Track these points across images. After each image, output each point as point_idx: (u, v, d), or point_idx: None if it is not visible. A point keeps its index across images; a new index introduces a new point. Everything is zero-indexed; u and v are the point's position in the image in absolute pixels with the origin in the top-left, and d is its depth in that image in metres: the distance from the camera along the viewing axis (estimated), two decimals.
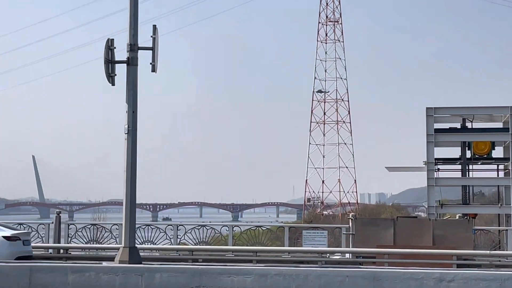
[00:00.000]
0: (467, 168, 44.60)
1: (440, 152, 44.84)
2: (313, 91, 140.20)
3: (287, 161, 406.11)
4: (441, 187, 45.39)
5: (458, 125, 44.63)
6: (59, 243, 36.80)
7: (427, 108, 43.17)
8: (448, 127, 44.62)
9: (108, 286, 19.31)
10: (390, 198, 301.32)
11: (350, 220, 36.64)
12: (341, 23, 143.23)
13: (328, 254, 35.22)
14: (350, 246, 35.44)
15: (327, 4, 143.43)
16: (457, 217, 42.38)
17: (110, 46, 22.68)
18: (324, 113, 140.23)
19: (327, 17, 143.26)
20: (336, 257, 35.95)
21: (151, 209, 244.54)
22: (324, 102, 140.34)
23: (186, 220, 62.42)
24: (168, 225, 38.68)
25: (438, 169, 44.52)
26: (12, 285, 19.38)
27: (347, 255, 35.66)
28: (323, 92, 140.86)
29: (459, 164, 44.98)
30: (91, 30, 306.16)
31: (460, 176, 44.69)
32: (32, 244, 36.34)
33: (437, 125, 43.54)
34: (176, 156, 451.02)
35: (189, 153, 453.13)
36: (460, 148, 44.53)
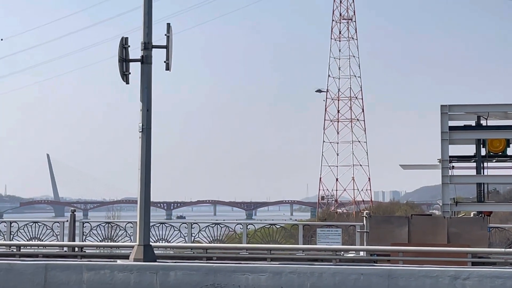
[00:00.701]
0: (482, 165, 44.38)
1: (455, 149, 44.64)
2: (327, 90, 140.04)
3: (301, 159, 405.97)
4: (455, 185, 45.15)
5: (472, 123, 44.38)
6: (74, 241, 36.89)
7: (441, 105, 42.96)
8: (462, 125, 44.38)
9: (123, 284, 19.38)
10: (404, 196, 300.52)
11: (364, 218, 36.55)
12: (355, 21, 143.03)
13: (342, 252, 35.14)
14: (365, 244, 35.35)
15: (340, 2, 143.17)
16: (471, 215, 42.18)
17: (124, 44, 22.72)
18: (338, 111, 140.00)
19: (340, 14, 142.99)
20: (350, 255, 35.87)
21: (165, 207, 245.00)
22: (338, 100, 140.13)
23: (200, 218, 62.57)
24: (183, 223, 38.71)
25: (453, 166, 44.29)
26: (27, 283, 19.49)
27: (361, 253, 35.56)
28: (322, 91, 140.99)
29: (473, 161, 44.74)
30: (105, 29, 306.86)
31: (474, 173, 44.47)
32: (47, 242, 36.61)
33: (452, 123, 43.29)
34: (190, 154, 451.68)
35: (203, 152, 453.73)
36: (474, 145, 44.32)
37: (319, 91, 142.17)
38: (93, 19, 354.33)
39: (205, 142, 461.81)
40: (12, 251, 35.84)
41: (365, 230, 35.66)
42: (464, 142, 45.41)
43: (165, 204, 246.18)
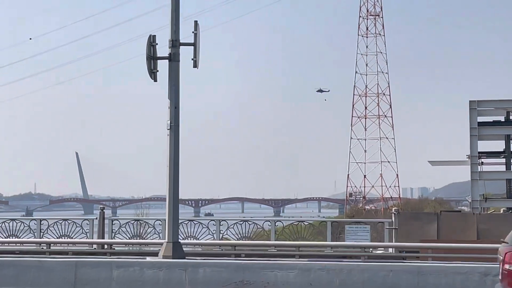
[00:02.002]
0: (511, 161, 44.07)
1: (484, 145, 44.36)
2: (354, 86, 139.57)
3: (329, 156, 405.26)
4: (485, 181, 44.90)
5: (502, 118, 44.09)
6: (103, 238, 37.08)
7: (470, 101, 42.72)
8: (491, 120, 44.10)
9: (152, 281, 19.44)
10: (433, 193, 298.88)
11: (393, 214, 36.42)
12: (382, 17, 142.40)
13: (371, 249, 35.05)
14: (393, 241, 35.23)
15: None
16: (501, 211, 41.90)
17: (152, 42, 22.79)
18: (366, 108, 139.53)
19: (367, 11, 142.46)
20: (379, 251, 35.76)
21: (193, 205, 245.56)
22: (366, 97, 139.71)
23: (228, 216, 62.63)
24: (211, 220, 38.81)
25: (482, 162, 44.05)
26: (58, 280, 19.62)
27: (390, 250, 35.44)
28: (324, 91, 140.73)
29: (503, 157, 44.48)
30: (131, 28, 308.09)
31: (504, 169, 44.19)
32: (77, 240, 36.84)
33: (481, 118, 43.05)
34: (218, 151, 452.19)
35: (230, 149, 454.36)
36: (504, 141, 44.01)
37: (320, 91, 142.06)
38: (119, 18, 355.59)
39: (232, 139, 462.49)
40: (42, 248, 36.12)
41: (393, 227, 35.53)
42: (493, 137, 45.15)
43: (193, 202, 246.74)
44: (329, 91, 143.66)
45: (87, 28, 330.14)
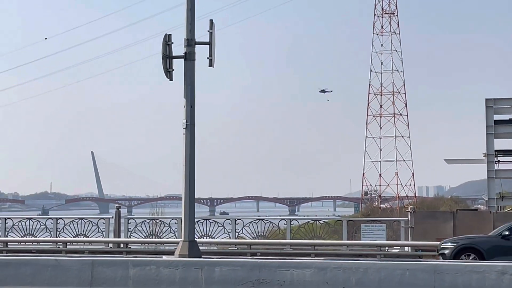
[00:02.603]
0: None
1: (500, 143, 44.18)
2: (369, 85, 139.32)
3: (344, 155, 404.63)
4: (501, 179, 44.73)
5: None
6: (119, 237, 37.19)
7: (486, 99, 42.58)
8: (508, 119, 43.93)
9: (168, 280, 19.45)
10: (449, 191, 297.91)
11: (408, 213, 36.34)
12: (397, 15, 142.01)
13: (387, 248, 34.99)
14: (409, 240, 35.15)
15: None
16: None
17: (167, 41, 22.79)
18: (381, 106, 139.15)
19: (382, 9, 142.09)
20: (395, 250, 35.69)
21: (209, 204, 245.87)
22: (381, 95, 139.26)
23: (243, 215, 62.65)
24: (226, 219, 38.86)
25: (499, 161, 43.88)
26: (74, 278, 19.66)
27: (406, 249, 35.37)
28: (327, 91, 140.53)
29: None
30: (145, 27, 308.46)
31: None
32: (93, 239, 36.97)
33: (497, 117, 42.89)
34: (233, 150, 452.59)
35: (245, 148, 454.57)
36: None
37: (323, 91, 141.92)
38: (133, 17, 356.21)
39: (247, 138, 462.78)
40: (59, 247, 36.28)
41: (409, 225, 35.45)
42: (509, 136, 44.96)
43: (208, 201, 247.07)
44: (331, 91, 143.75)
45: (100, 29, 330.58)
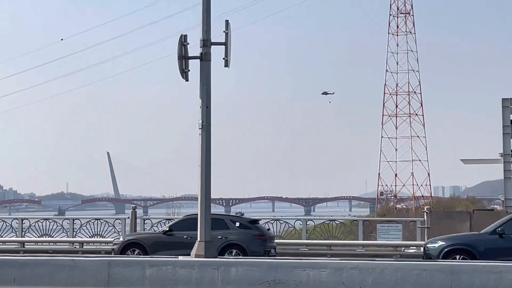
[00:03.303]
0: None
1: None
2: (385, 85, 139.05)
3: (359, 155, 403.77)
4: None
5: None
6: None
7: (502, 99, 42.40)
8: None
9: (184, 280, 19.49)
10: (465, 191, 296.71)
11: (425, 213, 36.29)
12: (413, 15, 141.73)
13: (403, 248, 34.93)
14: (426, 240, 35.07)
15: None
16: None
17: (183, 42, 22.82)
18: (396, 106, 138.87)
19: (398, 9, 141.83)
20: (411, 250, 35.62)
21: (224, 204, 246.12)
22: (396, 95, 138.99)
23: (259, 215, 62.62)
24: None
25: None
26: (91, 278, 19.73)
27: (422, 249, 35.29)
28: (329, 93, 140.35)
29: None
30: (161, 28, 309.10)
31: None
32: (110, 239, 37.08)
33: None
34: (248, 150, 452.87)
35: (260, 148, 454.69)
36: None
37: (325, 93, 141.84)
38: (149, 18, 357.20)
39: (262, 138, 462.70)
40: (75, 247, 36.45)
41: (426, 226, 35.39)
42: None
43: (223, 201, 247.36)
44: (333, 93, 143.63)
45: (121, 28, 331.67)
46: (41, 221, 39.96)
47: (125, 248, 30.16)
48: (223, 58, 22.99)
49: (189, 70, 22.86)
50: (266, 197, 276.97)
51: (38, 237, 38.92)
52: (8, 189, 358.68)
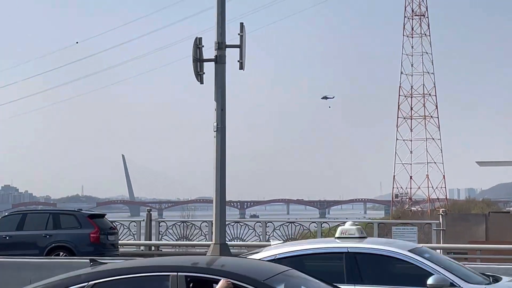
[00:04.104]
0: None
1: None
2: (399, 87, 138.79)
3: (374, 157, 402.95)
4: None
5: None
6: (151, 240, 37.36)
7: None
8: None
9: None
10: (480, 194, 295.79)
11: (440, 215, 36.18)
12: (428, 17, 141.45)
13: None
14: (441, 242, 34.98)
15: None
16: None
17: (198, 44, 22.85)
18: (411, 108, 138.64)
19: (413, 11, 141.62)
20: None
21: (239, 206, 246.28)
22: (411, 97, 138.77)
23: (273, 217, 62.75)
24: (257, 222, 38.92)
25: None
26: None
27: (437, 251, 35.19)
28: (329, 98, 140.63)
29: None
30: (176, 30, 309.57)
31: None
32: (124, 241, 37.16)
33: None
34: (262, 153, 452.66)
35: (275, 150, 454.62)
36: None
37: (325, 97, 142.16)
38: (165, 20, 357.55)
39: (277, 140, 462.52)
40: None
41: (441, 228, 35.28)
42: None
43: (238, 203, 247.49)
44: (333, 97, 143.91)
45: (132, 32, 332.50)
46: None
47: None
48: (238, 61, 23.00)
49: (204, 73, 22.88)
50: (280, 200, 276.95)
51: None
52: (24, 191, 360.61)
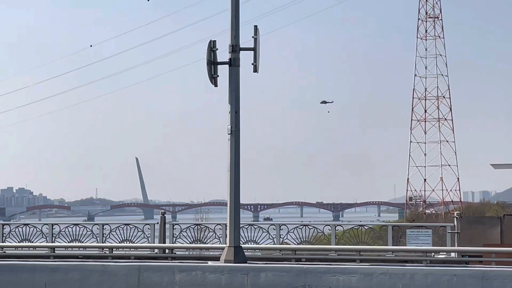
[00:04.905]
0: None
1: None
2: (413, 89, 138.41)
3: (388, 160, 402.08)
4: None
5: None
6: (165, 243, 37.33)
7: None
8: None
9: (214, 285, 19.52)
10: (495, 196, 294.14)
11: (455, 218, 35.97)
12: (441, 19, 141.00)
13: (432, 253, 34.66)
14: (456, 245, 34.79)
15: (426, 0, 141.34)
16: None
17: (212, 47, 22.85)
18: (425, 111, 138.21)
19: (426, 13, 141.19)
20: (441, 256, 35.34)
21: (252, 209, 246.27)
22: (425, 100, 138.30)
23: (287, 220, 62.58)
24: (271, 224, 38.80)
25: None
26: (121, 283, 19.82)
27: (452, 254, 35.02)
28: (328, 102, 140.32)
29: None
30: (190, 33, 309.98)
31: None
32: (139, 244, 37.19)
33: None
34: (276, 155, 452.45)
35: (288, 153, 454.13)
36: None
37: (324, 102, 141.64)
38: (178, 23, 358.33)
39: (290, 144, 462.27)
40: (105, 253, 36.53)
41: (456, 231, 35.09)
42: None
43: (252, 206, 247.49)
44: (332, 102, 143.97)
45: (145, 35, 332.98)
46: (71, 226, 40.18)
47: None
48: (252, 64, 23.00)
49: (218, 76, 22.89)
50: (294, 202, 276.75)
51: (68, 242, 39.12)
52: (38, 194, 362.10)
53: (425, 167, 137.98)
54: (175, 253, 36.24)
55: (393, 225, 39.59)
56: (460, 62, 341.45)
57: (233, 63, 22.90)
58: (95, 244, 38.34)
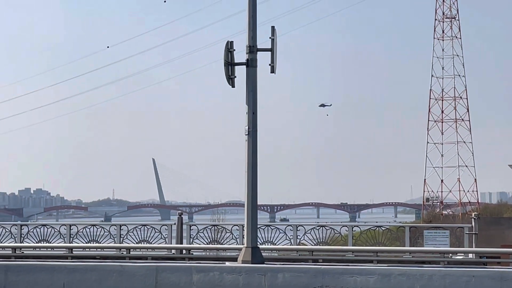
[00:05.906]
0: None
1: None
2: (430, 90, 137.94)
3: (405, 161, 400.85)
4: None
5: None
6: (182, 243, 37.40)
7: None
8: None
9: (231, 286, 19.55)
10: None
11: (472, 219, 35.85)
12: (458, 19, 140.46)
13: (450, 254, 34.57)
14: (473, 246, 34.68)
15: (443, 0, 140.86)
16: None
17: (229, 48, 22.87)
18: (442, 111, 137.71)
19: (443, 13, 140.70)
20: (459, 257, 35.24)
21: (269, 210, 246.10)
22: (442, 100, 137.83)
23: (303, 221, 62.61)
24: (288, 225, 38.82)
25: None
26: (139, 284, 19.89)
27: (470, 255, 34.89)
28: (326, 105, 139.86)
29: None
30: (206, 34, 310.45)
31: None
32: (156, 245, 37.27)
33: None
34: (293, 156, 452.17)
35: (305, 154, 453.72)
36: None
37: (322, 105, 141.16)
38: (195, 25, 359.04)
39: (307, 144, 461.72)
40: (122, 253, 36.64)
41: (473, 232, 34.97)
42: None
43: (268, 207, 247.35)
44: (331, 105, 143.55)
45: (161, 37, 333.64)
46: (89, 227, 40.35)
47: None
48: (269, 64, 23.00)
49: (235, 77, 22.92)
50: (311, 203, 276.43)
51: (86, 243, 39.27)
52: (56, 195, 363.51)
53: (442, 168, 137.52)
54: (192, 254, 36.31)
55: (411, 226, 39.49)
56: (477, 62, 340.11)
57: (251, 64, 22.91)
58: (112, 244, 38.46)
